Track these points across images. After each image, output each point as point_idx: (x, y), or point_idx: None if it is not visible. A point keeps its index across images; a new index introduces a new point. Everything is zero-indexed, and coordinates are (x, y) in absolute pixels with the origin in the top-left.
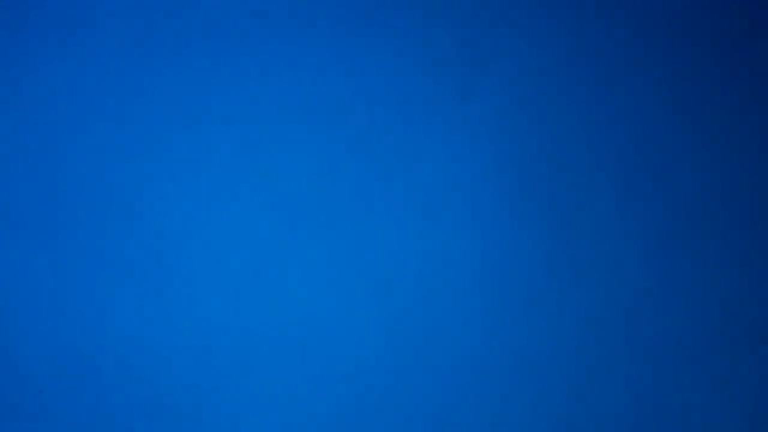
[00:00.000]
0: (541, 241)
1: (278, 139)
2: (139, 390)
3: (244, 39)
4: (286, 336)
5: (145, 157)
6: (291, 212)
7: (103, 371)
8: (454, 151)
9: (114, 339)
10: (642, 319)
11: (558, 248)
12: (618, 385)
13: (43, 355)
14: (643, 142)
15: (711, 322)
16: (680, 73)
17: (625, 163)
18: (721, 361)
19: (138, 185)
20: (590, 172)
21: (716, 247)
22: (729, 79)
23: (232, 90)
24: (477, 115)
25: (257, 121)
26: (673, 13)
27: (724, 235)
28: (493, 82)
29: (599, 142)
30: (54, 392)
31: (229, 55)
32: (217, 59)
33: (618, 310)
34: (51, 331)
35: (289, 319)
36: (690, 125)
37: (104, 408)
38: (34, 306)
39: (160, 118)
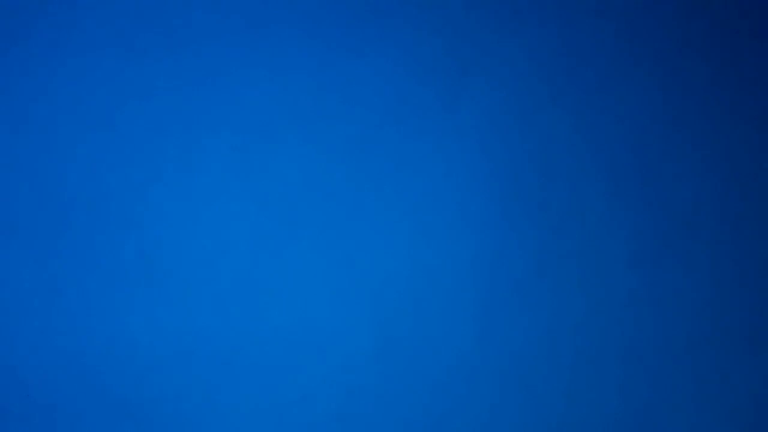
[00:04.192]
0: (532, 245)
1: (269, 144)
2: (131, 392)
3: (235, 44)
4: (277, 339)
5: (137, 161)
6: (282, 216)
7: (95, 374)
8: (444, 155)
9: (106, 342)
10: (632, 322)
11: (548, 251)
12: (609, 387)
13: (36, 358)
14: (632, 145)
15: (701, 324)
16: (670, 77)
17: (615, 167)
18: (713, 364)
19: (130, 189)
20: (580, 176)
21: (706, 249)
22: (718, 83)
23: (223, 95)
24: (466, 119)
25: (248, 125)
26: (663, 17)
27: (714, 238)
28: (482, 86)
29: (588, 145)
30: (46, 394)
31: (221, 60)
32: (210, 64)
33: (608, 313)
34: (44, 334)
35: (281, 323)
36: (680, 127)
37: (96, 410)
38: (26, 309)
39: (152, 123)
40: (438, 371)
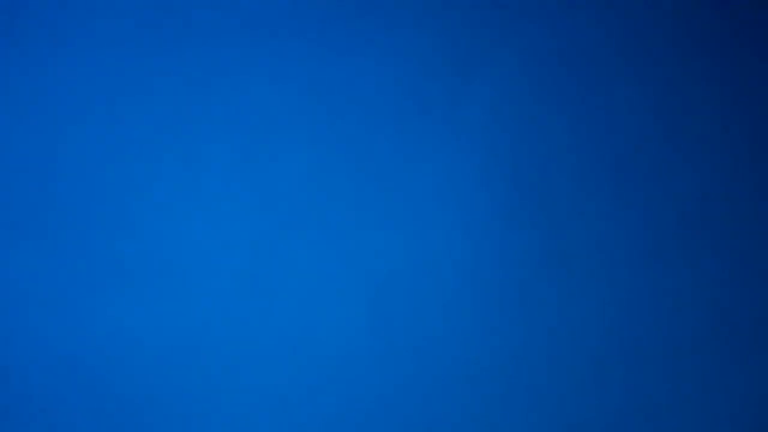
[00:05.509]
0: (531, 244)
1: (271, 142)
2: (132, 391)
3: (237, 43)
4: (278, 337)
5: (139, 159)
6: (283, 214)
7: (96, 372)
8: (445, 154)
9: (107, 340)
10: (635, 322)
11: (548, 250)
12: (611, 387)
13: (37, 356)
14: (632, 145)
15: (704, 324)
16: (670, 77)
17: (615, 167)
18: (716, 363)
19: (132, 187)
20: (582, 175)
21: (708, 249)
22: (719, 83)
23: (225, 93)
24: (468, 118)
25: (250, 124)
26: (662, 18)
27: (716, 238)
28: (483, 85)
29: (591, 144)
30: (46, 393)
31: (223, 59)
32: (211, 63)
33: (609, 313)
34: (44, 332)
35: (282, 321)
36: (680, 129)
37: (97, 409)
38: (27, 307)
39: (154, 121)
40: (439, 371)
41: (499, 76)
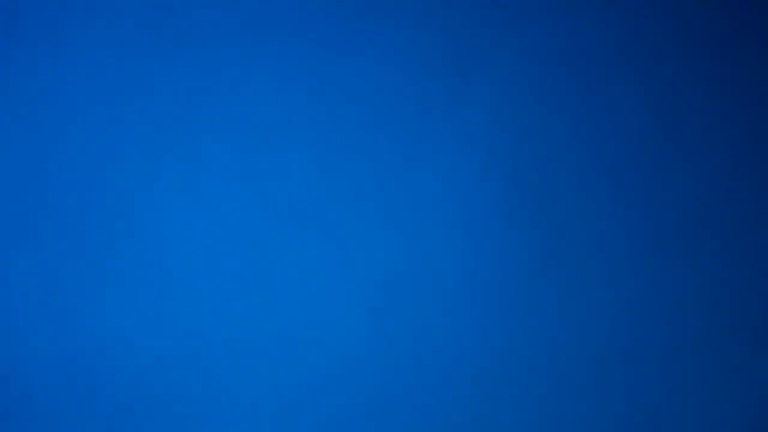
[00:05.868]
0: (531, 244)
1: (271, 142)
2: (131, 392)
3: (237, 43)
4: (277, 338)
5: (138, 160)
6: (284, 214)
7: (96, 373)
8: (446, 155)
9: (106, 342)
10: (635, 323)
11: (548, 251)
12: (611, 388)
13: (36, 357)
14: (632, 145)
15: (704, 325)
16: (670, 77)
17: (615, 167)
18: (716, 364)
19: (131, 188)
20: (582, 176)
21: (707, 249)
22: (719, 84)
23: (225, 93)
24: (468, 119)
25: (250, 125)
26: (662, 18)
27: (717, 238)
28: (483, 85)
29: (591, 145)
30: (46, 394)
31: (223, 59)
32: (211, 63)
33: (609, 313)
34: (44, 333)
35: (282, 321)
36: (680, 129)
37: (98, 410)
38: (27, 308)
39: (154, 121)
40: (439, 371)
41: (499, 76)
